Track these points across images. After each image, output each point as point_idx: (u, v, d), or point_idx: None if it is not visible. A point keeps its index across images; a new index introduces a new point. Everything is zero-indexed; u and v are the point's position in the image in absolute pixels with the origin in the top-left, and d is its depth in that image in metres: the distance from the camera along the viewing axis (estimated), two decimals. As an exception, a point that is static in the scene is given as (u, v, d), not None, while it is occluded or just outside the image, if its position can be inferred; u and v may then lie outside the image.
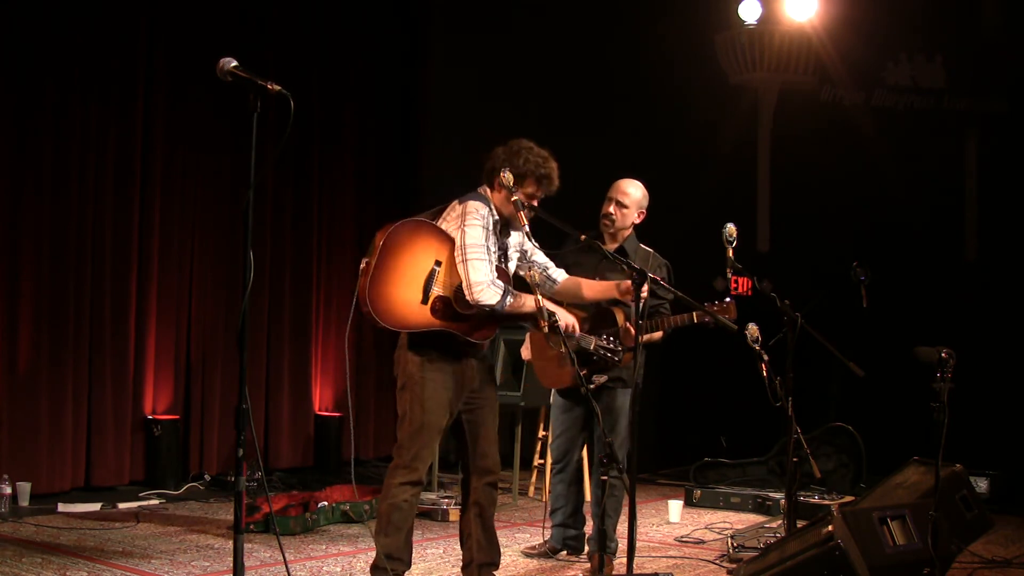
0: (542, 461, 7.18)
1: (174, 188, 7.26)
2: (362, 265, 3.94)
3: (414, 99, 8.79)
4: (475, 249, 3.98)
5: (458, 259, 3.99)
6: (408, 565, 4.16)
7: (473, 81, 8.61)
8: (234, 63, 3.17)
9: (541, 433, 7.19)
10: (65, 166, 6.63)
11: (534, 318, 4.09)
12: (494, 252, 4.10)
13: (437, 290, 3.99)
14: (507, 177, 4.04)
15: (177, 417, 7.19)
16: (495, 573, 4.31)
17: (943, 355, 4.04)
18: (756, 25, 8.94)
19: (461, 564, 4.35)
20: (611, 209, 5.06)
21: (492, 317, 4.07)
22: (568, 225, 4.30)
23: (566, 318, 4.19)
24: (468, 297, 3.96)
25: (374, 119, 8.55)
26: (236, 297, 7.39)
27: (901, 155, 8.57)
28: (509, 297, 3.99)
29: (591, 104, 8.74)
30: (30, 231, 6.47)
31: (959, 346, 4.14)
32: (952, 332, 5.25)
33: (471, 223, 4.01)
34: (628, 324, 4.69)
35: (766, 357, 4.63)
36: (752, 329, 4.66)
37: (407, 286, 3.96)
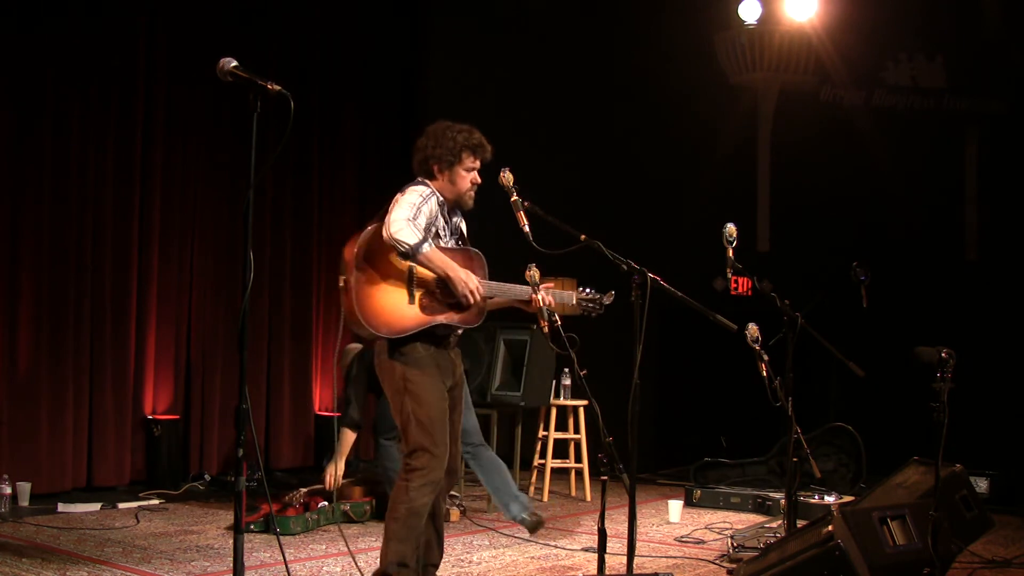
0: (542, 461, 7.19)
1: (174, 188, 7.26)
2: (340, 283, 3.87)
3: (414, 99, 8.79)
4: (403, 204, 3.87)
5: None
6: (417, 574, 4.06)
7: (473, 81, 8.61)
8: (234, 63, 3.17)
9: (541, 433, 7.18)
10: (65, 166, 6.63)
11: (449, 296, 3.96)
12: (445, 231, 4.05)
13: (420, 286, 3.94)
14: (507, 177, 4.03)
15: (177, 417, 7.19)
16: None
17: (943, 355, 4.04)
18: (756, 25, 8.92)
19: None
20: None
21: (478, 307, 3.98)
22: (567, 225, 4.27)
23: (468, 279, 3.97)
24: (384, 235, 3.81)
25: (374, 119, 8.54)
26: (236, 297, 7.39)
27: (901, 155, 8.56)
28: (426, 245, 3.84)
29: (591, 104, 8.74)
30: (30, 231, 6.47)
31: (959, 346, 4.14)
32: (952, 332, 5.25)
33: (408, 192, 3.95)
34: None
35: (766, 357, 4.62)
36: (752, 329, 4.66)
37: (391, 291, 3.89)
